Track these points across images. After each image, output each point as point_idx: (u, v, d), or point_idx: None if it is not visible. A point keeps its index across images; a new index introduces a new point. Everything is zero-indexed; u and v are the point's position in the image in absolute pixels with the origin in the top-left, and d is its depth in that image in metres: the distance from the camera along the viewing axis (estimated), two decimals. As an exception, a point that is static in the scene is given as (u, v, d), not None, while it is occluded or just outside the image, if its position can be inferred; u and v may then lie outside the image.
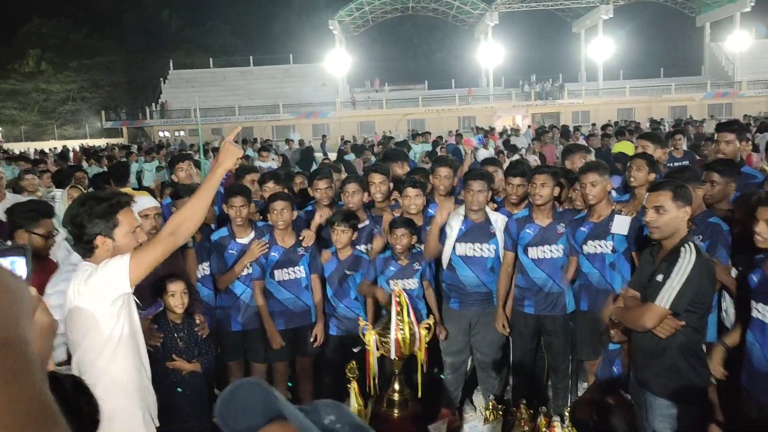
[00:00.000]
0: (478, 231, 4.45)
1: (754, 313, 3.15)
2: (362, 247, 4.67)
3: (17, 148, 33.65)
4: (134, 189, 6.10)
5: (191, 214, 2.57)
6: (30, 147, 32.32)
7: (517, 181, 4.60)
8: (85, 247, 2.63)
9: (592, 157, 5.80)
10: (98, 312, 2.50)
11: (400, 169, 5.73)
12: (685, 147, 7.68)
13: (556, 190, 4.38)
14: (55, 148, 29.01)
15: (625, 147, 6.19)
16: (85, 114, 53.68)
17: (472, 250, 4.44)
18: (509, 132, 20.24)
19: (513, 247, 4.44)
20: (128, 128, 43.97)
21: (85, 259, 2.65)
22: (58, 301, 2.82)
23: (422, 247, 4.57)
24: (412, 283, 4.43)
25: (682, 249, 3.01)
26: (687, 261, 2.96)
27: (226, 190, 4.75)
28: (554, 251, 4.38)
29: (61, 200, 5.58)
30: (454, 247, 4.47)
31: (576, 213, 4.49)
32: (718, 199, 4.09)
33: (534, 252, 4.39)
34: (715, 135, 5.12)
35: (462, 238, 4.45)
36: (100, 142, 38.01)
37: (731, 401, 3.32)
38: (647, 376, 3.20)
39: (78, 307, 2.51)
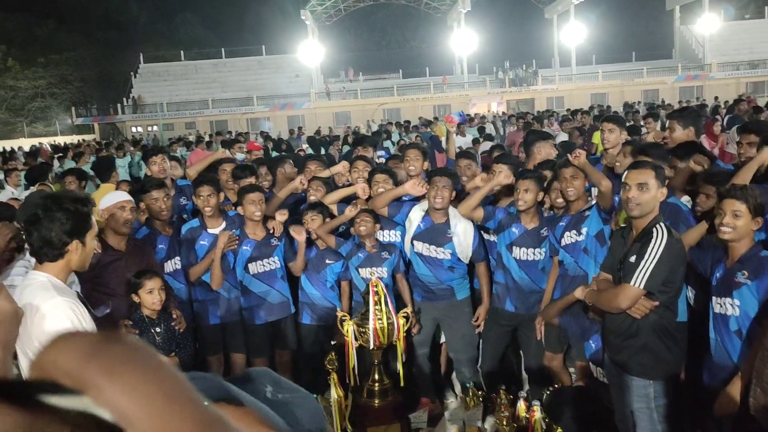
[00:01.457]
0: (435, 232, 4.42)
1: (716, 309, 3.20)
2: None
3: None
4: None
5: None
6: (-1, 145, 31.70)
7: (499, 167, 4.63)
8: (54, 251, 2.46)
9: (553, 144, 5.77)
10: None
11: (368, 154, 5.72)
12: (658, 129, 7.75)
13: (540, 195, 4.34)
14: (20, 147, 28.40)
15: (597, 138, 6.25)
16: (55, 110, 52.68)
17: (428, 250, 4.43)
18: (485, 119, 20.31)
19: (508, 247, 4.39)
20: (100, 124, 43.29)
21: (43, 261, 2.48)
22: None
23: (390, 237, 4.59)
24: (381, 272, 4.40)
25: (654, 230, 3.04)
26: (659, 241, 3.00)
27: (193, 181, 4.69)
28: (537, 254, 4.36)
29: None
30: (412, 244, 4.47)
31: (556, 215, 4.49)
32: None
33: (518, 252, 4.38)
34: (667, 122, 5.19)
35: (419, 236, 4.44)
36: (72, 139, 37.34)
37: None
38: (622, 357, 3.24)
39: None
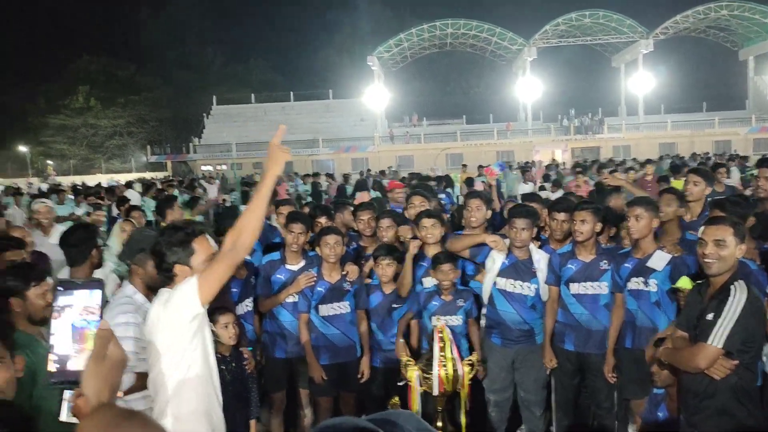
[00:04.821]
0: (521, 267, 4.44)
1: None
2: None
3: (66, 181, 34.73)
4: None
5: (246, 225, 2.57)
6: (78, 180, 33.31)
7: (561, 216, 4.61)
8: (165, 275, 2.73)
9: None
10: (176, 333, 2.59)
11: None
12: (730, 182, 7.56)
13: (598, 227, 4.36)
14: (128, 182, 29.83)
15: (679, 185, 6.14)
16: (131, 148, 55.29)
17: (512, 286, 4.43)
18: (551, 166, 20.14)
19: (556, 281, 4.42)
20: (172, 162, 45.05)
21: (165, 287, 2.74)
22: (119, 332, 2.90)
23: (470, 283, 4.59)
24: (456, 320, 4.40)
25: (732, 287, 2.96)
26: (738, 299, 2.91)
27: (288, 215, 4.80)
28: (596, 288, 4.34)
29: (114, 234, 5.74)
30: (495, 282, 4.46)
31: (620, 249, 4.46)
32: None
33: (576, 287, 4.37)
34: (756, 171, 5.05)
35: (504, 273, 4.44)
36: (146, 176, 38.95)
37: None
38: (699, 419, 3.12)
39: (159, 329, 2.60)
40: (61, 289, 1.46)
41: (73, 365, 1.40)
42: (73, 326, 1.42)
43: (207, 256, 2.73)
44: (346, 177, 19.89)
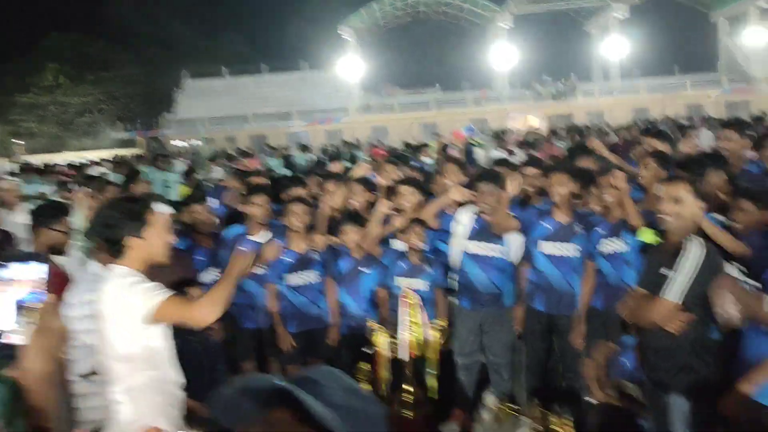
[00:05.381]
0: (489, 230, 4.45)
1: None
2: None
3: (36, 160, 34.07)
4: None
5: (212, 306, 2.61)
6: (48, 159, 32.69)
7: (532, 171, 4.68)
8: (114, 248, 2.67)
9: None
10: (129, 322, 2.55)
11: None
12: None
13: (574, 187, 4.37)
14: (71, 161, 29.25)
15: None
16: (102, 126, 54.23)
17: (483, 249, 4.44)
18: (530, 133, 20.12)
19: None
20: (144, 138, 44.35)
21: (117, 262, 2.69)
22: (82, 311, 2.86)
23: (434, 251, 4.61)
24: (420, 284, 4.43)
25: (689, 243, 2.99)
26: (694, 253, 2.95)
27: (249, 187, 4.80)
28: (569, 250, 4.36)
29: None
30: (465, 246, 4.48)
31: (593, 215, 4.48)
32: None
33: (548, 247, 4.38)
34: (723, 132, 5.11)
35: (473, 236, 4.46)
36: (118, 153, 38.36)
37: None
38: (661, 375, 3.17)
39: (113, 311, 2.56)
40: (3, 264, 1.45)
41: (16, 338, 1.38)
42: (18, 300, 1.40)
43: (160, 227, 2.70)
44: (324, 150, 19.80)
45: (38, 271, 1.44)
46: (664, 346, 3.11)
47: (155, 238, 2.69)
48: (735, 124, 4.93)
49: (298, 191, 5.13)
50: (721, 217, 3.90)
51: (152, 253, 2.70)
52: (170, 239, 2.77)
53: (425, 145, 13.25)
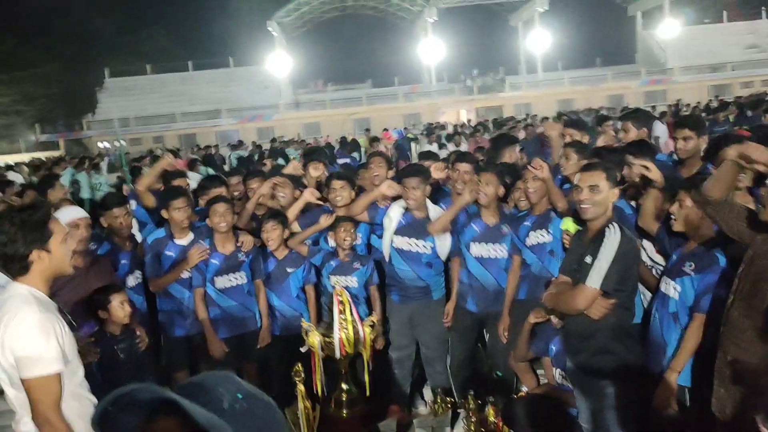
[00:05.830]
0: (416, 226, 4.47)
1: (662, 287, 3.34)
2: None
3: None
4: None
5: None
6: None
7: (464, 167, 4.70)
8: (19, 265, 2.41)
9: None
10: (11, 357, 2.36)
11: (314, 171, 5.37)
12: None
13: (501, 190, 4.40)
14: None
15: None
16: (20, 128, 51.67)
17: (409, 244, 4.46)
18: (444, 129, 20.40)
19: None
20: (65, 140, 42.58)
21: (17, 280, 2.44)
22: None
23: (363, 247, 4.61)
24: (351, 281, 4.44)
25: (607, 229, 3.09)
26: (612, 240, 3.05)
27: (164, 192, 4.63)
28: (498, 251, 4.40)
29: None
30: (392, 240, 4.49)
31: (519, 212, 4.54)
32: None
33: (477, 249, 4.41)
34: (620, 123, 5.33)
35: (400, 230, 4.47)
36: (37, 156, 36.67)
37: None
38: (582, 359, 3.27)
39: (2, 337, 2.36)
40: None
41: None
42: None
43: (62, 236, 2.50)
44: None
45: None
46: (584, 330, 3.21)
47: (59, 249, 2.48)
48: (632, 116, 5.10)
49: (219, 191, 4.98)
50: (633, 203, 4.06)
51: (57, 265, 2.50)
52: (72, 248, 2.62)
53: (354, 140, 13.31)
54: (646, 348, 3.39)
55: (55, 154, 38.32)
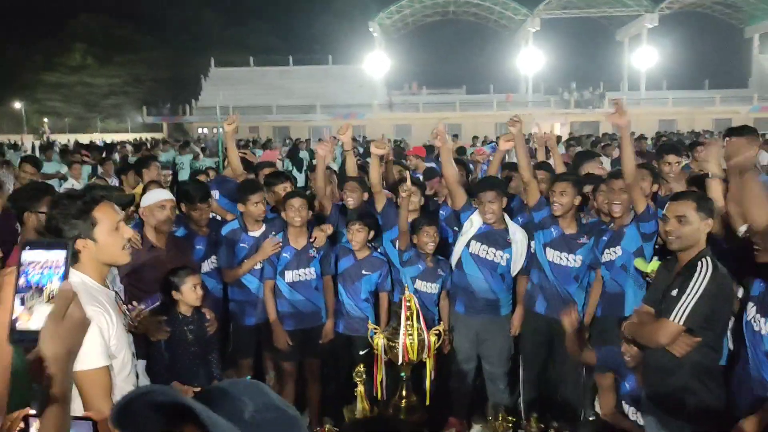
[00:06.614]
0: (496, 236, 4.40)
1: (752, 323, 2.98)
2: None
3: (61, 139, 34.46)
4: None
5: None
6: (72, 138, 33.04)
7: (540, 174, 4.61)
8: None
9: (606, 164, 5.70)
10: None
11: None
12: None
13: (577, 200, 4.28)
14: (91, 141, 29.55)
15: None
16: (127, 108, 54.78)
17: (486, 251, 4.37)
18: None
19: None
20: (168, 124, 44.73)
21: (74, 267, 2.35)
22: None
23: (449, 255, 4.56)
24: (433, 288, 4.43)
25: (699, 263, 2.89)
26: (703, 275, 2.84)
27: (242, 186, 4.67)
28: (571, 260, 4.29)
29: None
30: (468, 244, 4.40)
31: (602, 225, 4.37)
32: None
33: (551, 254, 4.33)
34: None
35: (479, 236, 4.39)
36: (142, 136, 38.70)
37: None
38: (659, 395, 3.08)
39: None
40: (27, 247, 1.38)
41: (33, 323, 1.32)
42: (33, 282, 1.34)
43: (112, 225, 2.39)
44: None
45: (58, 255, 1.36)
46: (665, 365, 3.02)
47: (107, 238, 2.38)
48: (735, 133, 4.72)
49: (284, 186, 4.94)
50: None
51: (106, 254, 2.40)
52: (126, 236, 2.46)
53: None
54: (735, 388, 3.11)
55: (158, 136, 40.38)
